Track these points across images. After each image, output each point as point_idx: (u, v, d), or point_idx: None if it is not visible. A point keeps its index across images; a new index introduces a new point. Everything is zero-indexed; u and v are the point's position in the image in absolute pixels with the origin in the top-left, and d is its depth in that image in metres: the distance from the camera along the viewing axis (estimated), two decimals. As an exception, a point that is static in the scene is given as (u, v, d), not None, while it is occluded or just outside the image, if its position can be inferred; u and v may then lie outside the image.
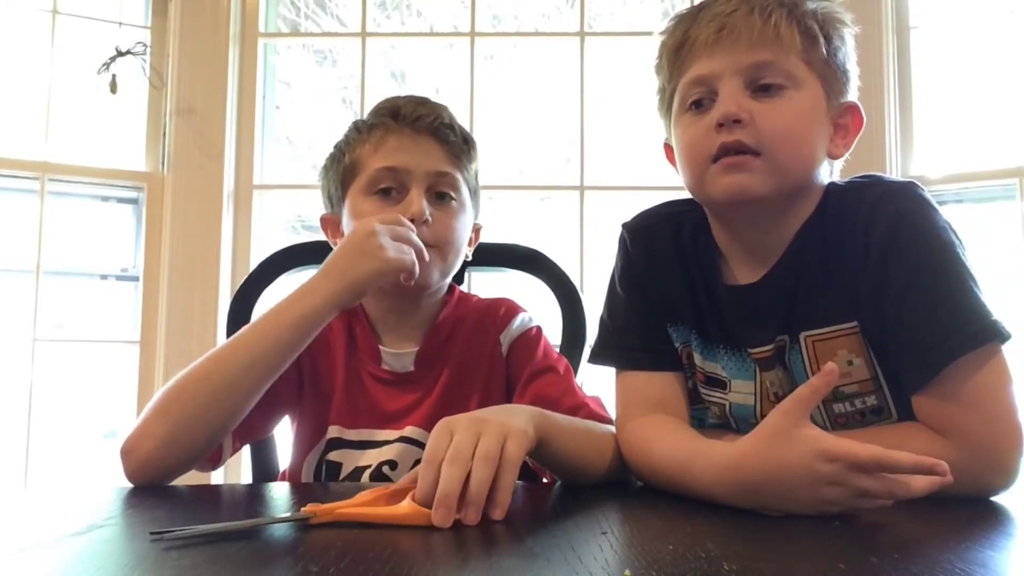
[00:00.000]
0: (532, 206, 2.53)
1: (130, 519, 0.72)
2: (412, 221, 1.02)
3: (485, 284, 1.68)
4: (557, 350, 1.17)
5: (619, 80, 2.41)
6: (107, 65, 2.26)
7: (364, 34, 2.41)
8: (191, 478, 0.95)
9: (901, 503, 0.75)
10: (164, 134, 2.32)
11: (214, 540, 0.60)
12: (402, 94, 1.15)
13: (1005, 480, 0.77)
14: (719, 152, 0.84)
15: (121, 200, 2.37)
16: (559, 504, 0.81)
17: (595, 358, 1.01)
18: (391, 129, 1.08)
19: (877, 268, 0.82)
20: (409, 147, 1.07)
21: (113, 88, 2.26)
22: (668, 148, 0.97)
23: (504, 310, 1.14)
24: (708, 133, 0.85)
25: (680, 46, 0.89)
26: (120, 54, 2.28)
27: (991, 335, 0.78)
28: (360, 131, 1.12)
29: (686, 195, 0.95)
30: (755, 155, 0.83)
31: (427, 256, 0.99)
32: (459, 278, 1.27)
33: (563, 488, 0.88)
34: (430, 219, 1.05)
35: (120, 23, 2.33)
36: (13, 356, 2.20)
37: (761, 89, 0.85)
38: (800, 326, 0.88)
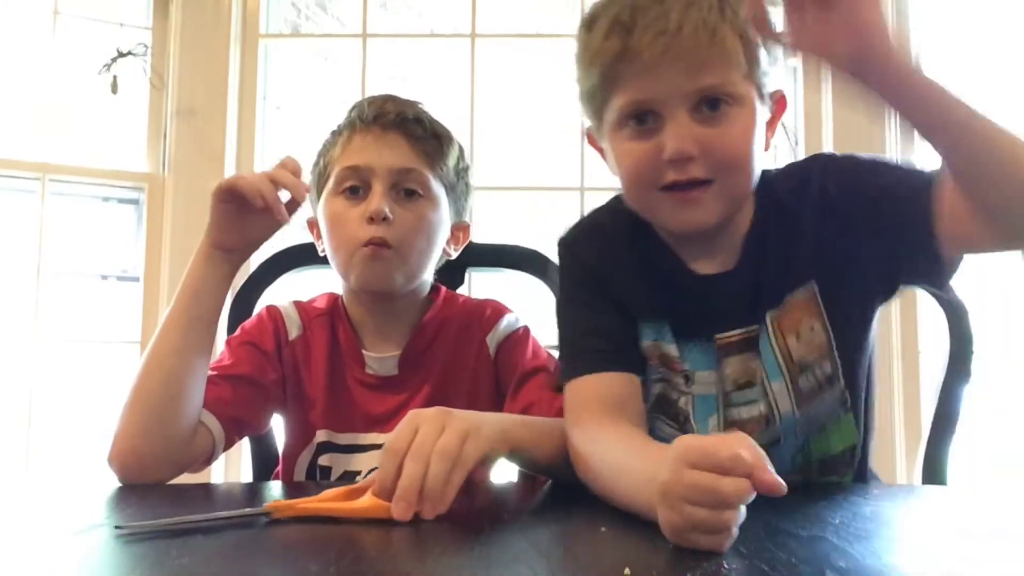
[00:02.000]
0: (532, 207, 2.54)
1: (130, 519, 0.73)
2: (371, 220, 1.02)
3: (485, 285, 1.68)
4: (557, 353, 1.16)
5: (619, 81, 2.40)
6: (108, 66, 2.26)
7: (365, 35, 2.41)
8: (191, 475, 0.96)
9: (900, 503, 0.75)
10: (165, 135, 2.32)
11: (215, 539, 0.61)
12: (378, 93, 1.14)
13: None
14: (669, 184, 0.83)
15: (122, 201, 2.36)
16: (559, 504, 0.81)
17: (561, 383, 0.92)
18: (356, 129, 1.08)
19: (836, 204, 0.87)
20: (372, 145, 1.06)
21: (114, 89, 2.26)
22: (591, 136, 0.94)
23: (490, 311, 1.13)
24: (655, 160, 0.83)
25: (618, 58, 0.82)
26: (121, 55, 2.28)
27: None
28: (333, 135, 1.12)
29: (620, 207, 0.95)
30: (706, 183, 0.83)
31: (303, 193, 0.98)
32: (459, 280, 1.27)
33: (563, 487, 0.88)
34: (390, 216, 1.03)
35: (121, 24, 2.33)
36: (14, 356, 2.20)
37: (706, 105, 0.82)
38: (766, 305, 0.89)
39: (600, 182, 2.33)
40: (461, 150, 1.15)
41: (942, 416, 1.16)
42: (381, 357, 1.09)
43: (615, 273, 0.94)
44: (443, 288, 1.17)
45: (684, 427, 0.92)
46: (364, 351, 1.10)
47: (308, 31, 2.56)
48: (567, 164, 2.38)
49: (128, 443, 0.91)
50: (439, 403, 1.04)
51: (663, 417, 0.94)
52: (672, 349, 0.92)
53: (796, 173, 0.93)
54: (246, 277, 1.28)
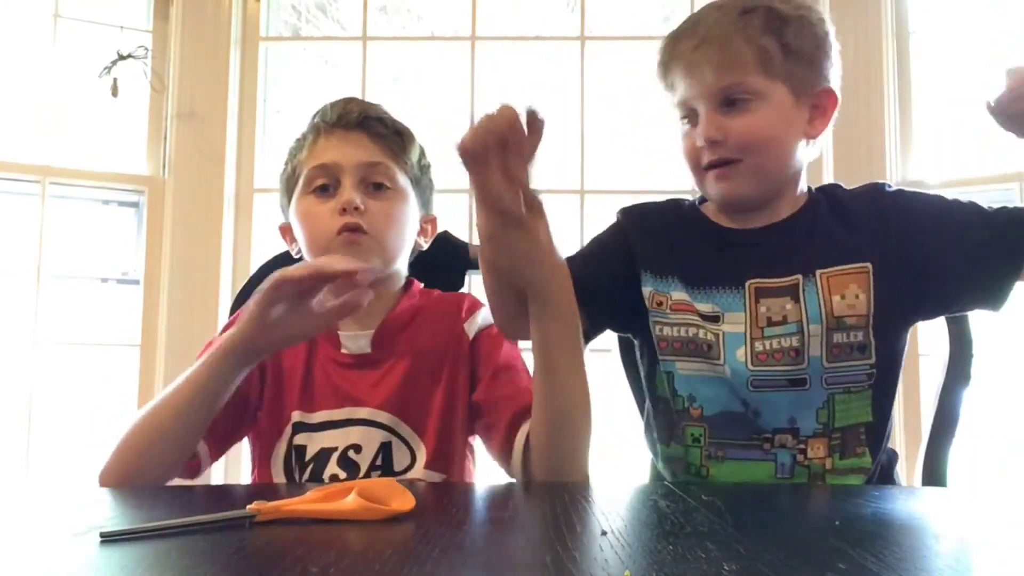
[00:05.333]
0: (532, 210, 2.53)
1: (129, 520, 0.73)
2: (343, 211, 1.06)
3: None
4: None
5: (619, 84, 2.41)
6: (108, 69, 2.27)
7: (365, 38, 2.41)
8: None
9: (900, 505, 0.75)
10: (165, 138, 2.32)
11: (212, 541, 0.60)
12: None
13: None
14: (708, 164, 1.03)
15: (122, 203, 2.37)
16: (559, 504, 0.81)
17: None
18: (321, 131, 1.13)
19: (899, 216, 1.04)
20: (338, 144, 1.11)
21: (114, 92, 2.26)
22: None
23: (468, 303, 1.16)
24: (697, 147, 1.04)
25: (665, 71, 1.06)
26: (122, 58, 2.28)
27: None
28: (298, 141, 1.17)
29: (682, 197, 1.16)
30: (736, 161, 1.02)
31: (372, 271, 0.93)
32: (459, 282, 1.28)
33: (563, 488, 0.88)
34: (362, 206, 1.07)
35: (122, 27, 2.34)
36: (14, 359, 2.20)
37: (730, 103, 1.01)
38: (814, 265, 1.03)
39: (600, 185, 2.33)
40: (422, 148, 1.20)
41: (942, 418, 1.17)
42: (354, 335, 1.11)
43: (646, 227, 1.12)
44: (416, 282, 1.20)
45: (708, 355, 1.04)
46: (339, 332, 1.12)
47: (308, 34, 2.57)
48: (567, 167, 2.39)
49: (113, 475, 0.93)
50: (416, 380, 1.09)
51: (682, 356, 1.06)
52: (684, 296, 1.06)
53: (861, 187, 1.11)
54: (245, 280, 1.29)
